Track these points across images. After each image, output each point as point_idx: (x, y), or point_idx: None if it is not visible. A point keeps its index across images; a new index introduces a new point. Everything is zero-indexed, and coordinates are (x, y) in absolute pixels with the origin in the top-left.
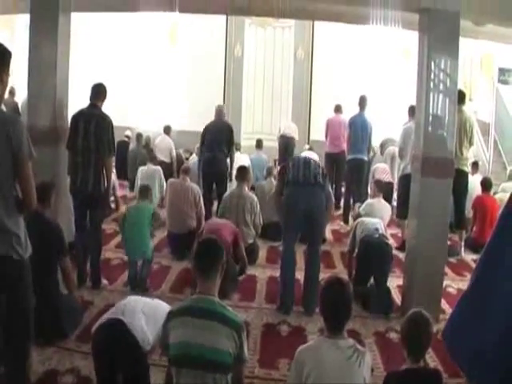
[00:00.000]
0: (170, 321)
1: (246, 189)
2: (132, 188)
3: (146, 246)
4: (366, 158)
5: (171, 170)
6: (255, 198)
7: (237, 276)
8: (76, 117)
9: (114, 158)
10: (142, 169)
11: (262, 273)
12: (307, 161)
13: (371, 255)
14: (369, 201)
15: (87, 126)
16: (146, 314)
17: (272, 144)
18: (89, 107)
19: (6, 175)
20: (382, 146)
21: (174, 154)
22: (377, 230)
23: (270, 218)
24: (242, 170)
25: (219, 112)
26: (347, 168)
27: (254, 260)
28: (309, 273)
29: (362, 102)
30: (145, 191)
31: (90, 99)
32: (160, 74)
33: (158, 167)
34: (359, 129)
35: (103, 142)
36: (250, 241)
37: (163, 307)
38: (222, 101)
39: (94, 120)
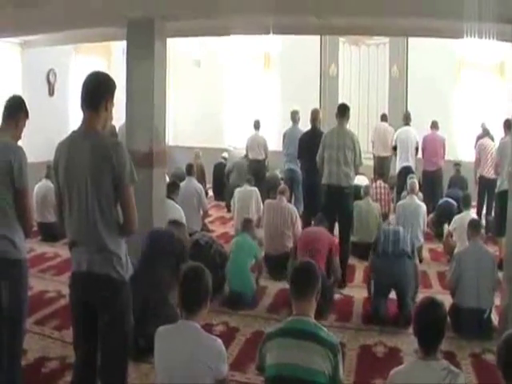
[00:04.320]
0: (266, 342)
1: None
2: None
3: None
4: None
5: (264, 167)
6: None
7: (332, 296)
8: None
9: None
10: (238, 190)
11: (359, 293)
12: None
13: None
14: (457, 216)
15: None
16: None
17: (367, 162)
18: None
19: (107, 198)
20: None
21: (268, 149)
22: None
23: (365, 239)
24: None
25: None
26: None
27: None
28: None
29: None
30: (246, 223)
31: None
32: (255, 96)
33: (255, 188)
34: None
35: None
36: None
37: None
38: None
39: None
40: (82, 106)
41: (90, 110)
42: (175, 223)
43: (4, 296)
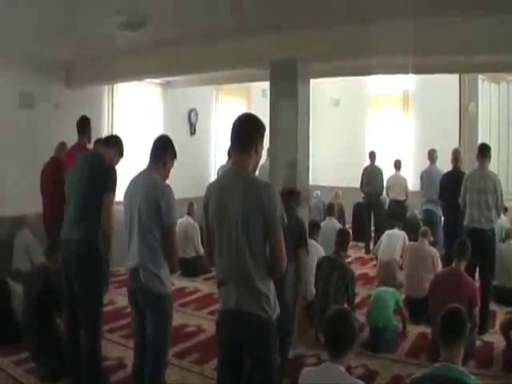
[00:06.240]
0: None
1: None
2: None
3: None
4: None
5: (404, 208)
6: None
7: (475, 342)
8: None
9: None
10: (387, 233)
11: (500, 340)
12: None
13: None
14: None
15: None
16: None
17: (508, 204)
18: None
19: (258, 239)
20: None
21: (408, 189)
22: None
23: (506, 283)
24: None
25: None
26: None
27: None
28: None
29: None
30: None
31: None
32: (393, 135)
33: (403, 232)
34: None
35: None
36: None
37: None
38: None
39: None
40: (232, 148)
41: (241, 152)
42: None
43: (149, 328)
